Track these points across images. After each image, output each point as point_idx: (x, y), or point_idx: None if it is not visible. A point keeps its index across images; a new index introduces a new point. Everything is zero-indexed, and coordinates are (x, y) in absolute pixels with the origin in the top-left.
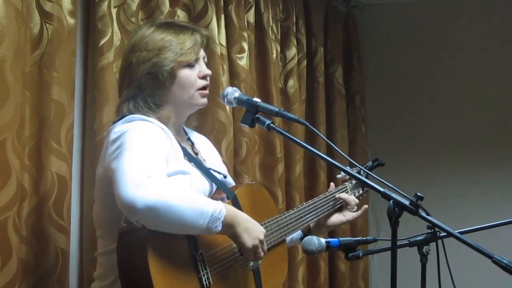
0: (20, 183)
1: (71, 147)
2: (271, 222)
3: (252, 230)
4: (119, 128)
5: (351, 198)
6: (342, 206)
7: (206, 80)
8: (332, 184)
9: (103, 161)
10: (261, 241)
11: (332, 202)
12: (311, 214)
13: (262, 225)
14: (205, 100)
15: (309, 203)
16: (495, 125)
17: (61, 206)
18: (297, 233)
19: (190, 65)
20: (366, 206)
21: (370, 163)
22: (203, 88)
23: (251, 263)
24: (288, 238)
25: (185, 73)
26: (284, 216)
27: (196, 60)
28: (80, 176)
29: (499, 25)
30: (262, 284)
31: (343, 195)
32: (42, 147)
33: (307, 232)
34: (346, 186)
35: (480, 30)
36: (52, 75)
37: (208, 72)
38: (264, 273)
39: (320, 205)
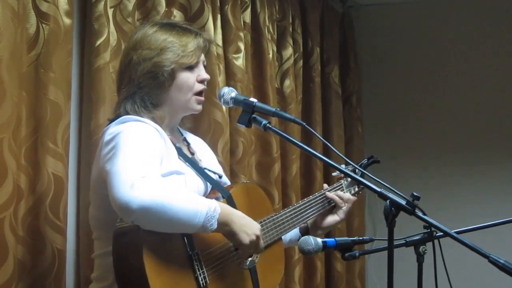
0: (17, 183)
1: (67, 147)
2: (267, 221)
3: (248, 227)
4: (113, 129)
5: (337, 198)
6: (335, 205)
7: (204, 84)
8: (325, 185)
9: (97, 162)
10: (258, 237)
11: (328, 200)
12: (307, 211)
13: (258, 223)
14: (200, 107)
15: (304, 201)
16: (492, 126)
17: (58, 206)
18: (296, 234)
19: (190, 68)
20: (353, 198)
21: (365, 161)
22: (200, 92)
23: (248, 262)
24: (286, 239)
25: (184, 76)
26: (280, 214)
27: (197, 63)
28: (77, 176)
29: (496, 26)
30: (259, 282)
31: (330, 195)
32: (38, 147)
33: (305, 232)
34: (341, 184)
35: (477, 30)
36: (49, 75)
37: (207, 76)
38: (261, 271)
39: (316, 202)
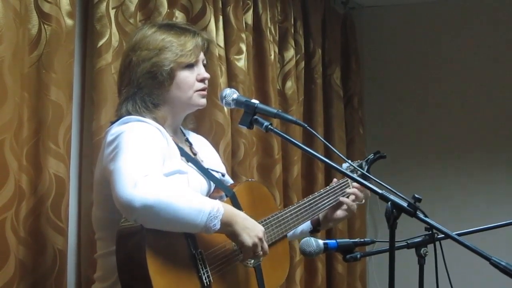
0: (18, 184)
1: (69, 148)
2: (271, 219)
3: (251, 229)
4: (115, 129)
5: (357, 192)
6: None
7: (204, 83)
8: (335, 179)
9: (100, 163)
10: (260, 239)
11: (334, 197)
12: (312, 209)
13: (261, 222)
14: (204, 100)
15: (309, 198)
16: (492, 128)
17: (59, 207)
18: (307, 226)
19: (189, 67)
20: (356, 191)
21: (371, 156)
22: (201, 90)
23: (252, 261)
24: (297, 231)
25: (183, 75)
26: (284, 212)
27: (196, 62)
28: (78, 177)
29: (497, 28)
30: (264, 281)
31: (350, 191)
32: (40, 148)
33: (316, 225)
34: (347, 180)
35: (478, 32)
36: (50, 76)
37: (207, 75)
38: (266, 270)
39: (321, 200)
